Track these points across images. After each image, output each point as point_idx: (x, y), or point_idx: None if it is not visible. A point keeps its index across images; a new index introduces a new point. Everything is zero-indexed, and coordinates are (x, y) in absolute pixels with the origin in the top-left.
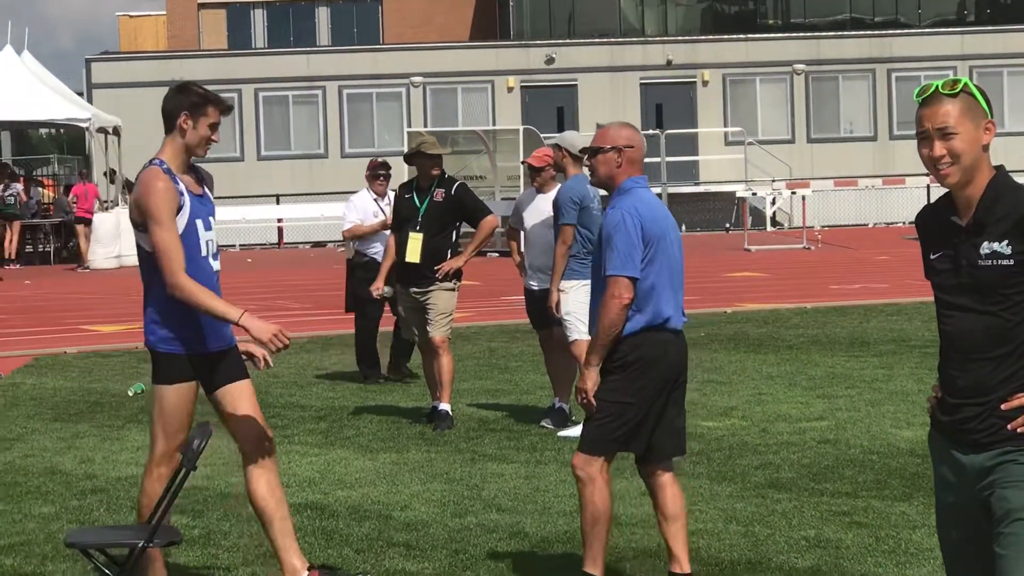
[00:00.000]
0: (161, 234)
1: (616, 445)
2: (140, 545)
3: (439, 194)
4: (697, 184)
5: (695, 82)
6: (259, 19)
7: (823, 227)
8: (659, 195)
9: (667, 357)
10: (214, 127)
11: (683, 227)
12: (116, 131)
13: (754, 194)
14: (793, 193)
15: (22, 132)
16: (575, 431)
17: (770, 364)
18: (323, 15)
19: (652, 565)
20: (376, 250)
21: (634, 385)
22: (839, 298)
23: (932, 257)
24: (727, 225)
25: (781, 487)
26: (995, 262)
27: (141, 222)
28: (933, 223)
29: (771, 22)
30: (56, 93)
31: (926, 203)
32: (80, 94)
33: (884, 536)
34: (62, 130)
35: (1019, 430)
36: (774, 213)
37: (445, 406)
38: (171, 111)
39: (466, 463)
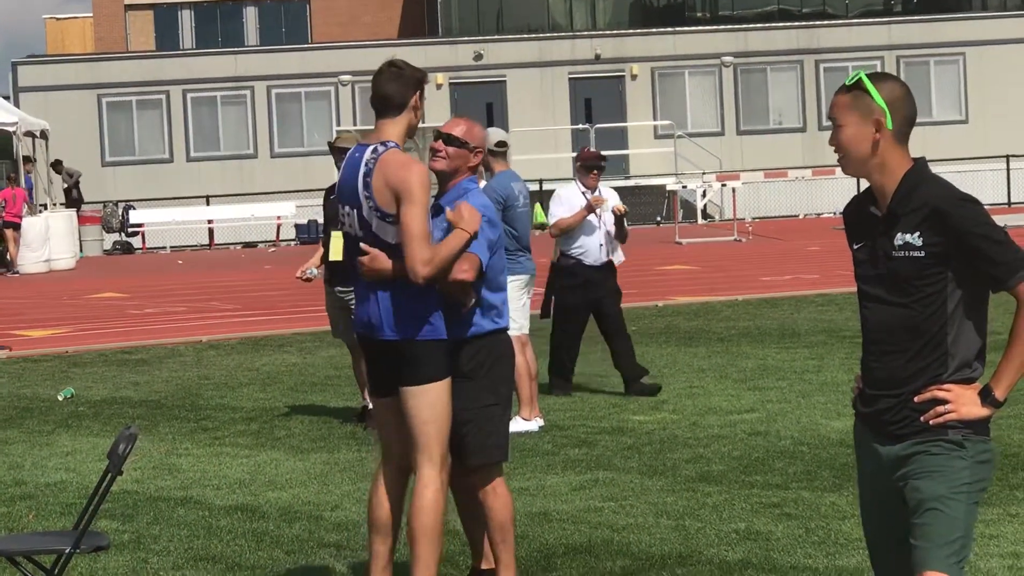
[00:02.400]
0: (419, 215)
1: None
2: (67, 551)
3: None
4: (627, 178)
5: (624, 76)
6: (186, 20)
7: (754, 219)
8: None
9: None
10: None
11: None
12: (44, 134)
13: (684, 187)
14: (723, 185)
15: None
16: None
17: (701, 357)
18: (251, 15)
19: (582, 560)
20: (581, 250)
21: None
22: (770, 290)
23: (854, 248)
24: (658, 219)
25: (712, 480)
26: (907, 253)
27: (391, 211)
28: (855, 214)
29: (699, 15)
30: None
31: (855, 194)
32: (7, 98)
33: (814, 527)
34: None
35: (931, 422)
36: (705, 206)
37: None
38: (400, 91)
39: None
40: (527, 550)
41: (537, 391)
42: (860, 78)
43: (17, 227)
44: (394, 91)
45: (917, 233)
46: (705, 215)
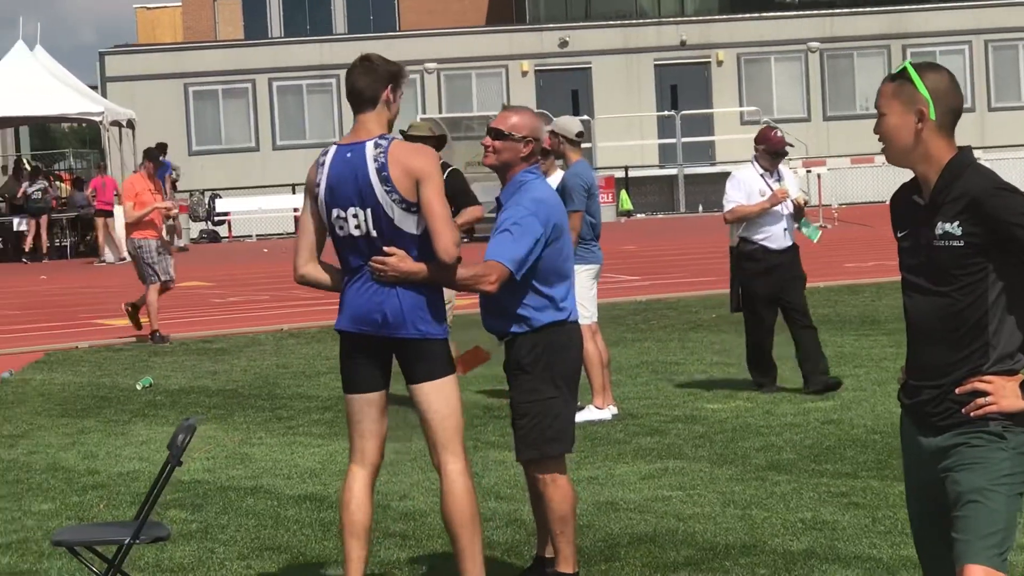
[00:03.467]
0: (444, 198)
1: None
2: (126, 542)
3: None
4: (713, 164)
5: (710, 62)
6: (275, 8)
7: (840, 205)
8: (675, 176)
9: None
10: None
11: (700, 207)
12: (130, 124)
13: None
14: (808, 171)
15: (43, 127)
16: (581, 417)
17: (779, 345)
18: (339, 3)
19: (646, 550)
20: (765, 235)
21: (550, 378)
22: (853, 276)
23: (899, 236)
24: None
25: (781, 469)
26: (947, 243)
27: (414, 200)
28: (901, 203)
29: (787, 0)
30: (69, 87)
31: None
32: (94, 88)
33: (881, 517)
34: (84, 124)
35: (972, 414)
36: None
37: None
38: (370, 87)
39: (468, 451)
40: (591, 539)
41: (610, 379)
42: (905, 68)
43: (108, 215)
44: (365, 86)
45: (956, 223)
46: None
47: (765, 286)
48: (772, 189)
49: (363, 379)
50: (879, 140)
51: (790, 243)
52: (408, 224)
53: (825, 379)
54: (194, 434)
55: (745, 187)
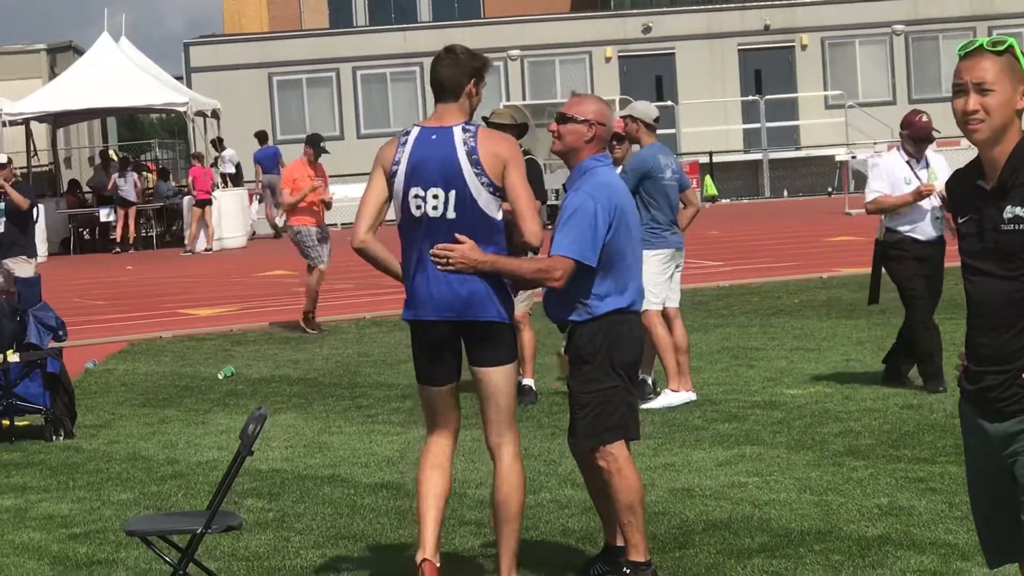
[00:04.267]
0: (529, 188)
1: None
2: (199, 532)
3: None
4: (798, 149)
5: (794, 46)
6: None
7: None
8: (760, 161)
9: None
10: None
11: (785, 192)
12: (215, 114)
13: (854, 157)
14: None
15: (132, 118)
16: (658, 403)
17: (861, 329)
18: None
19: (721, 537)
20: (911, 226)
21: (611, 367)
22: None
23: (959, 221)
24: (829, 189)
25: (859, 454)
26: (1018, 227)
27: (499, 183)
28: (961, 187)
29: None
30: (154, 78)
31: (958, 167)
32: (179, 78)
33: (958, 502)
34: (172, 115)
35: None
36: None
37: (528, 381)
38: (454, 78)
39: (546, 438)
40: (666, 526)
41: (689, 364)
42: (1011, 44)
43: (208, 203)
44: (448, 77)
45: None
46: None
47: (915, 276)
48: (918, 177)
49: (441, 371)
50: (973, 115)
51: (937, 234)
52: (492, 208)
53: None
54: (264, 423)
55: (889, 176)
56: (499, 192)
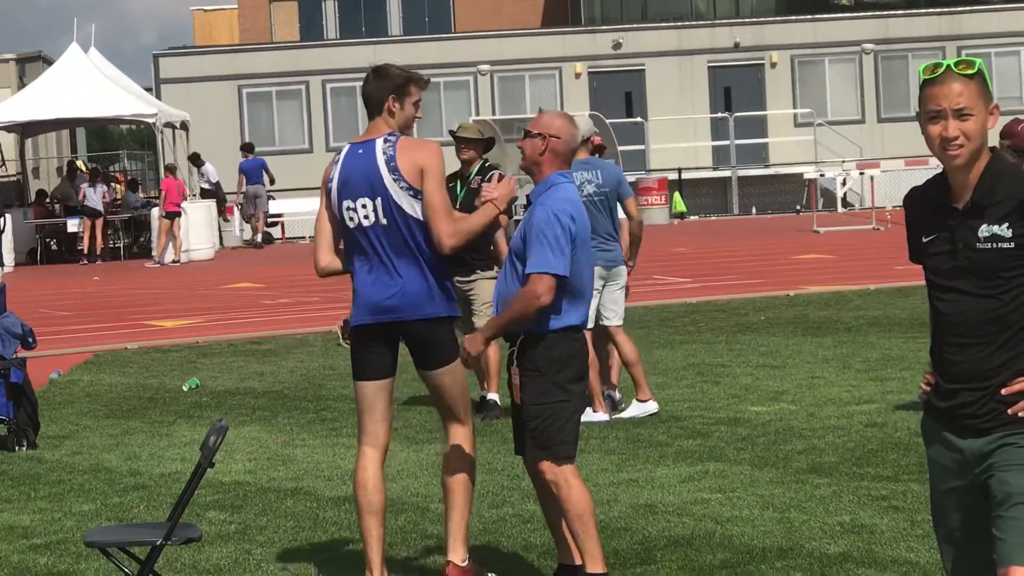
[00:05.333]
0: (440, 191)
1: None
2: (158, 543)
3: (476, 181)
4: (767, 166)
5: (763, 64)
6: (330, 10)
7: (894, 207)
8: (728, 178)
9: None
10: (417, 105)
11: (753, 209)
12: (184, 126)
13: (822, 175)
14: (862, 174)
15: (102, 129)
16: (628, 413)
17: (826, 347)
18: (394, 5)
19: (683, 553)
20: None
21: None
22: (903, 279)
23: (925, 240)
24: (797, 207)
25: (822, 472)
26: (995, 245)
27: (419, 187)
28: (924, 205)
29: (844, 2)
30: (122, 89)
31: (914, 186)
32: (149, 90)
33: (920, 520)
34: (141, 126)
35: (1020, 415)
36: (844, 194)
37: (493, 396)
38: (376, 95)
39: (509, 453)
40: (628, 542)
41: (599, 384)
42: (980, 66)
43: (178, 215)
44: (369, 94)
45: (1006, 224)
46: (845, 203)
47: None
48: None
49: (374, 367)
50: (955, 142)
51: None
52: (417, 210)
53: None
54: (225, 435)
55: None
56: (420, 195)
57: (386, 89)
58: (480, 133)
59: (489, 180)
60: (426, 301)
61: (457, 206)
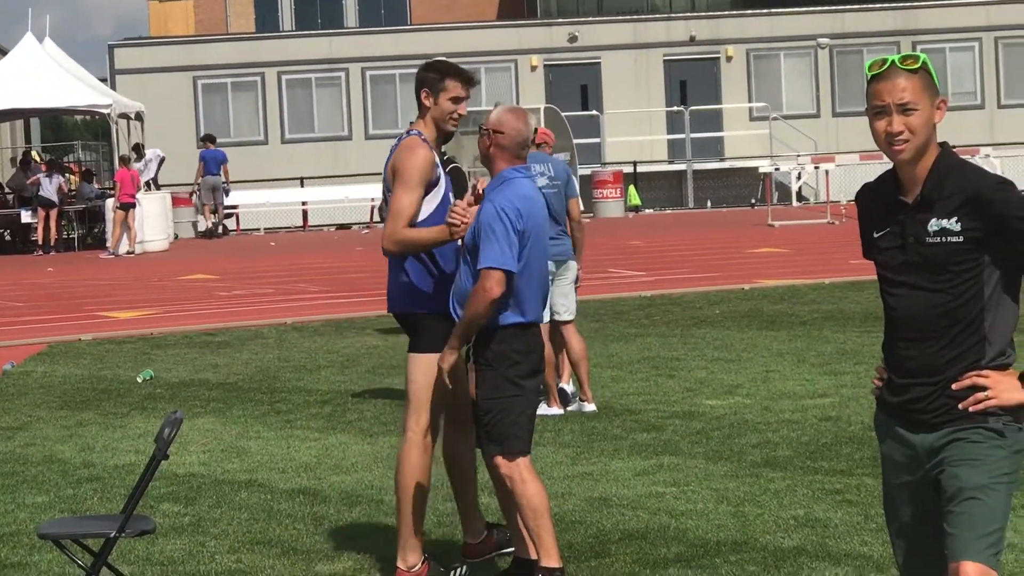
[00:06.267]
0: (403, 196)
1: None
2: (112, 535)
3: None
4: (722, 160)
5: (719, 58)
6: (286, 2)
7: (848, 201)
8: (684, 172)
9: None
10: (457, 100)
11: (708, 203)
12: (139, 116)
13: (777, 169)
14: (817, 168)
15: (56, 119)
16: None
17: (781, 341)
18: None
19: (637, 546)
20: None
21: (515, 377)
22: (858, 273)
23: (876, 236)
24: (752, 201)
25: (777, 466)
26: (944, 239)
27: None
28: (875, 201)
29: None
30: (77, 80)
31: (866, 182)
32: (104, 80)
33: (873, 514)
34: (95, 117)
35: (971, 409)
36: (799, 188)
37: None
38: (416, 89)
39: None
40: (583, 535)
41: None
42: (925, 60)
43: (132, 207)
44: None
45: (955, 218)
46: (800, 197)
47: None
48: None
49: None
50: (899, 137)
51: None
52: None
53: None
54: (180, 427)
55: None
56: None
57: (420, 82)
58: None
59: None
60: (402, 297)
61: None
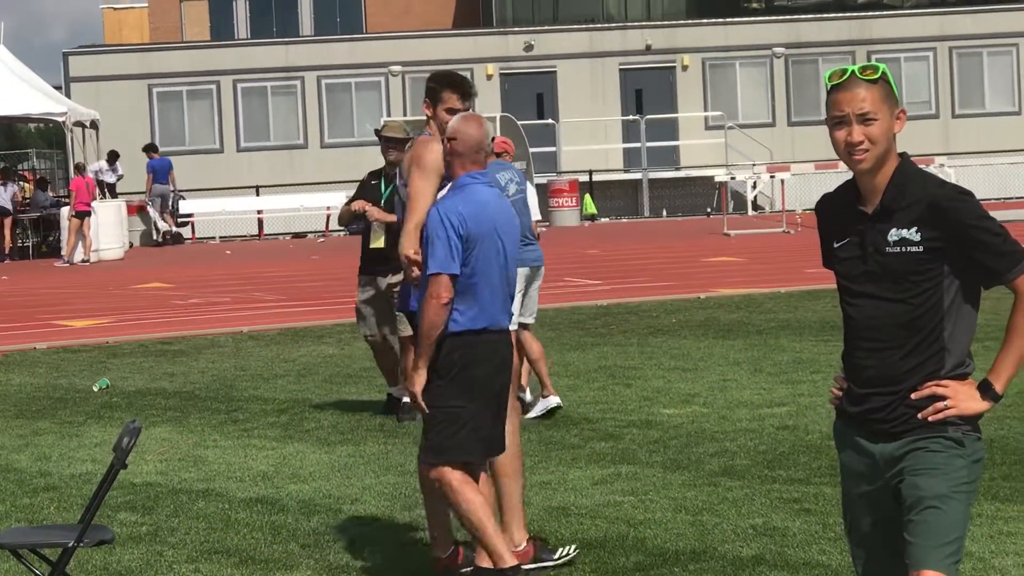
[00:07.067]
0: (420, 181)
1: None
2: (70, 545)
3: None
4: (678, 169)
5: (675, 67)
6: (241, 10)
7: (804, 210)
8: (639, 180)
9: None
10: (452, 111)
11: (664, 212)
12: (94, 124)
13: (733, 178)
14: (772, 177)
15: (10, 127)
16: (534, 413)
17: (738, 350)
18: (305, 5)
19: (596, 556)
20: None
21: (462, 387)
22: (814, 282)
23: (836, 245)
24: (708, 210)
25: (735, 475)
26: (904, 249)
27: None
28: (835, 211)
29: (755, 5)
30: (32, 87)
31: (826, 192)
32: (59, 88)
33: (832, 523)
34: (50, 124)
35: (931, 418)
36: (755, 197)
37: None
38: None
39: None
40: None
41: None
42: (884, 71)
43: (88, 215)
44: None
45: (915, 228)
46: (755, 206)
47: None
48: None
49: None
50: (859, 147)
51: None
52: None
53: None
54: (138, 436)
55: None
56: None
57: (425, 91)
58: (406, 132)
59: None
60: (409, 298)
61: (382, 205)
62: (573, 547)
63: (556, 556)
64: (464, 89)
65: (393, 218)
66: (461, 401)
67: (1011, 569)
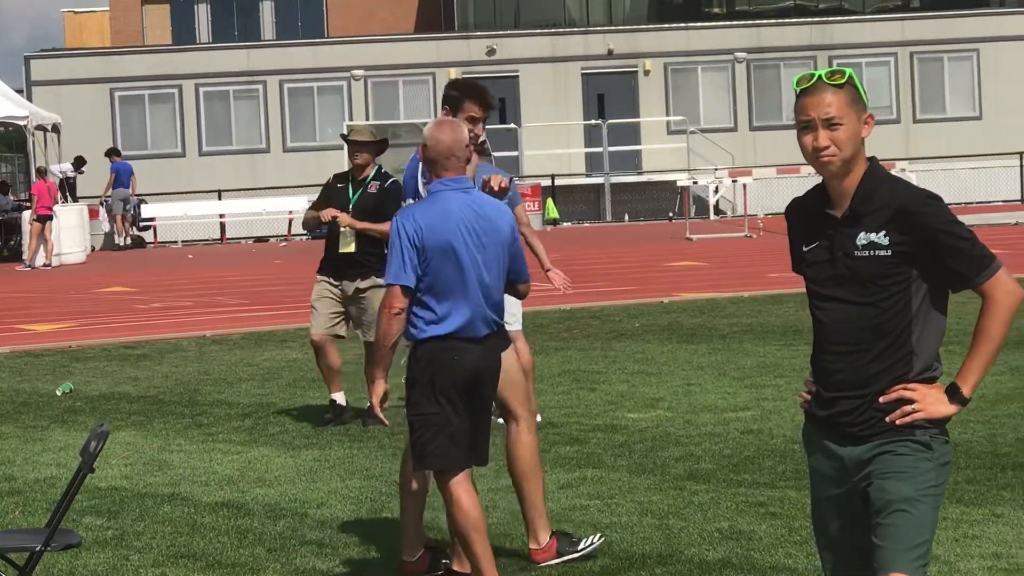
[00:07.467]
0: None
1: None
2: (38, 549)
3: (374, 187)
4: (640, 173)
5: (636, 71)
6: (203, 14)
7: (766, 215)
8: (601, 185)
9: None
10: (473, 120)
11: (626, 216)
12: (56, 128)
13: (695, 183)
14: (734, 181)
15: None
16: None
17: (701, 354)
18: (267, 9)
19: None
20: None
21: (431, 394)
22: (777, 286)
23: (805, 249)
24: (670, 215)
25: (700, 478)
26: (872, 253)
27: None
28: (804, 215)
29: (717, 10)
30: None
31: (795, 196)
32: (20, 92)
33: (798, 527)
34: (11, 128)
35: (898, 422)
36: (717, 202)
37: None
38: (441, 104)
39: (387, 459)
40: (508, 549)
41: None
42: (851, 75)
43: (49, 219)
44: None
45: (883, 232)
46: (717, 211)
47: None
48: None
49: None
50: (826, 151)
51: None
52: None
53: None
54: (107, 440)
55: None
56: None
57: (443, 98)
58: (373, 135)
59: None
60: None
61: (350, 210)
62: (598, 536)
63: (580, 547)
64: (485, 100)
65: (364, 225)
66: (433, 408)
67: (976, 572)
